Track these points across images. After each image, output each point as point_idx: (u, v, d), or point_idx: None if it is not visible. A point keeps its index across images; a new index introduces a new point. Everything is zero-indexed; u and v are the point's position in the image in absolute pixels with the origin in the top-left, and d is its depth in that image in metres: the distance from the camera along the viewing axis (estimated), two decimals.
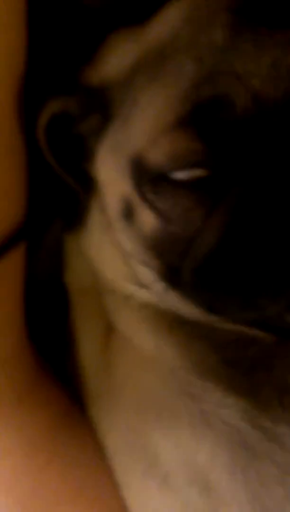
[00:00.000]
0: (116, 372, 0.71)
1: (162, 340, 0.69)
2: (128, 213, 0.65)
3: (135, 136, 0.62)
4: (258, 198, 0.56)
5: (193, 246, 0.60)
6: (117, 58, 0.67)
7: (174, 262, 0.62)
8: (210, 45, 0.58)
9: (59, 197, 0.72)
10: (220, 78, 0.57)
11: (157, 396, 0.68)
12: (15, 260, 0.70)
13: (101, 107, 0.66)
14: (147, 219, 0.63)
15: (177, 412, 0.66)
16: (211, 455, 0.64)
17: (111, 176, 0.66)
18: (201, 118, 0.57)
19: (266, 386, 0.65)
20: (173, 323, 0.69)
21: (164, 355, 0.68)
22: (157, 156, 0.59)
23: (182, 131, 0.57)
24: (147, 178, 0.61)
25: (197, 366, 0.67)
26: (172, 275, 0.63)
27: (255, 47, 0.57)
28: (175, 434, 0.66)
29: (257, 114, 0.56)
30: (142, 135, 0.61)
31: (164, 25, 0.64)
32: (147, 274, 0.67)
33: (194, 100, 0.57)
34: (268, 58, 0.56)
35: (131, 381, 0.70)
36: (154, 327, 0.69)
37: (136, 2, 0.70)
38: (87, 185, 0.70)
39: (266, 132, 0.56)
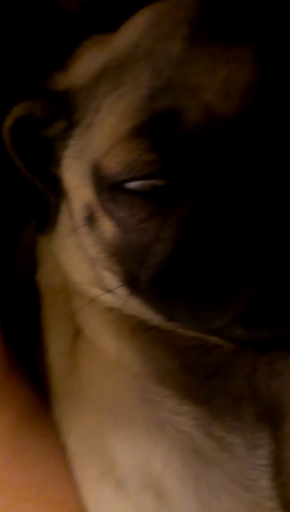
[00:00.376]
0: (80, 374, 0.72)
1: (124, 345, 0.70)
2: (91, 220, 0.65)
3: (96, 144, 0.63)
4: (209, 210, 0.56)
5: (149, 255, 0.60)
6: (84, 65, 0.67)
7: (134, 269, 0.62)
8: (167, 56, 0.59)
9: (31, 199, 0.73)
10: (174, 90, 0.57)
11: (116, 400, 0.69)
12: None
13: (66, 112, 0.66)
14: (108, 227, 0.63)
15: (134, 418, 0.67)
16: (165, 461, 0.65)
17: (75, 182, 0.67)
18: (155, 129, 0.57)
19: (222, 395, 0.66)
20: (136, 328, 0.70)
21: (125, 360, 0.69)
22: (113, 164, 0.59)
23: (137, 141, 0.57)
24: (105, 186, 0.61)
25: (156, 372, 0.68)
26: (133, 282, 0.64)
27: (210, 61, 0.57)
28: (132, 439, 0.67)
29: (209, 128, 0.56)
30: (102, 143, 0.61)
31: (129, 33, 0.64)
32: (111, 279, 0.67)
33: (150, 111, 0.57)
34: (222, 73, 0.56)
35: (93, 384, 0.71)
36: (117, 331, 0.70)
37: (113, 8, 0.71)
38: (57, 189, 0.71)
39: (218, 146, 0.56)
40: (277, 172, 0.53)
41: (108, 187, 0.61)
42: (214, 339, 0.65)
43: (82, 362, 0.73)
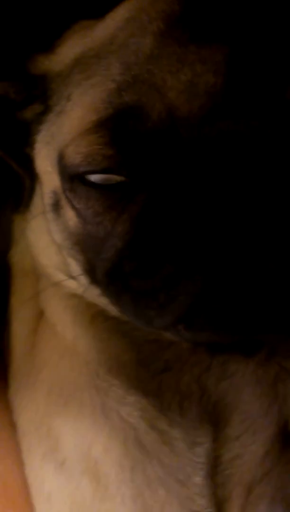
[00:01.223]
0: (38, 356, 0.73)
1: (82, 331, 0.71)
2: (57, 207, 0.66)
3: (63, 132, 0.63)
4: (160, 208, 0.56)
5: (104, 248, 0.61)
6: (65, 50, 0.67)
7: (93, 260, 0.63)
8: (137, 51, 0.58)
9: (7, 178, 0.74)
10: (140, 87, 0.57)
11: (68, 384, 0.70)
12: None
13: (42, 96, 0.67)
14: (70, 216, 0.64)
15: (82, 403, 0.68)
16: (105, 448, 0.66)
17: (45, 167, 0.68)
18: (117, 124, 0.57)
19: (170, 390, 0.67)
20: (96, 316, 0.71)
21: (81, 346, 0.71)
22: (74, 155, 0.59)
23: (98, 134, 0.58)
24: (66, 176, 0.62)
25: (110, 361, 0.69)
26: (92, 272, 0.65)
27: (178, 61, 0.56)
28: (77, 423, 0.68)
29: (169, 127, 0.56)
30: (68, 132, 0.62)
31: (109, 23, 0.64)
32: (75, 266, 0.68)
33: (115, 105, 0.58)
34: (187, 73, 0.56)
35: (48, 366, 0.72)
36: (77, 317, 0.71)
37: None
38: (32, 170, 0.72)
39: (176, 146, 0.56)
40: (230, 177, 0.53)
41: (68, 177, 0.62)
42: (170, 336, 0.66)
43: (41, 344, 0.74)
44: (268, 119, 0.54)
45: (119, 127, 0.57)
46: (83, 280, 0.68)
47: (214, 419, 0.66)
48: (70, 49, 0.67)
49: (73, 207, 0.63)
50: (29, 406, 0.72)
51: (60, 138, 0.63)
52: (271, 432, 0.65)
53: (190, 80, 0.56)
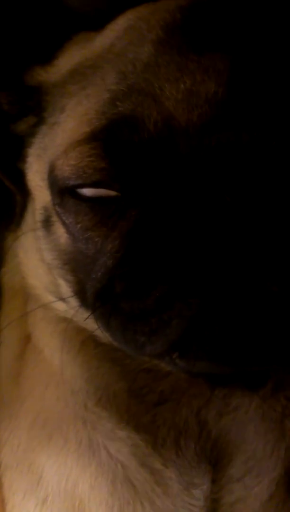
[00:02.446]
0: (23, 384, 0.68)
1: (69, 358, 0.66)
2: (47, 223, 0.62)
3: (56, 144, 0.59)
4: (152, 226, 0.52)
5: (94, 267, 0.56)
6: (62, 61, 0.64)
7: (83, 281, 0.59)
8: (135, 60, 0.55)
9: None
10: (135, 96, 0.54)
11: (53, 415, 0.65)
12: None
13: (36, 108, 0.63)
14: (61, 233, 0.60)
15: (67, 437, 0.63)
16: (91, 486, 0.61)
17: (36, 182, 0.64)
18: (110, 135, 0.53)
19: (166, 425, 0.62)
20: (86, 343, 0.66)
21: (68, 374, 0.66)
22: (64, 167, 0.56)
23: (91, 146, 0.54)
24: (56, 189, 0.58)
25: (99, 391, 0.64)
26: (82, 294, 0.60)
27: (176, 69, 0.53)
28: (61, 458, 0.63)
29: (165, 139, 0.52)
30: (60, 144, 0.58)
31: (108, 34, 0.61)
32: (65, 287, 0.63)
33: (109, 115, 0.54)
34: (187, 82, 0.53)
35: (33, 395, 0.67)
36: (65, 343, 0.66)
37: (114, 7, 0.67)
38: (24, 186, 0.68)
39: (174, 157, 0.52)
40: (229, 192, 0.49)
41: (58, 190, 0.58)
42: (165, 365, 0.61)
43: (26, 370, 0.69)
44: (271, 130, 0.51)
45: (112, 138, 0.54)
46: (73, 302, 0.63)
47: (213, 458, 0.61)
48: (67, 60, 0.64)
49: (64, 223, 0.59)
50: (10, 439, 0.67)
51: (52, 151, 0.60)
52: (277, 474, 0.60)
53: (190, 88, 0.53)
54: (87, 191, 0.55)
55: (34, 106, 0.64)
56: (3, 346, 0.73)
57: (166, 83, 0.53)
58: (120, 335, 0.54)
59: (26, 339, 0.71)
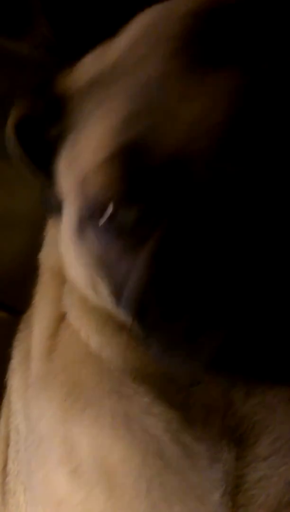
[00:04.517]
0: (57, 360, 0.71)
1: (106, 339, 0.68)
2: (81, 229, 0.63)
3: (81, 162, 0.60)
4: (176, 248, 0.52)
5: (127, 283, 0.58)
6: (81, 72, 0.65)
7: (120, 286, 0.60)
8: (142, 80, 0.54)
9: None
10: (145, 121, 0.53)
11: (87, 390, 0.67)
12: None
13: (61, 119, 0.64)
14: (94, 239, 0.61)
15: (101, 410, 0.65)
16: (123, 457, 0.63)
17: (67, 189, 0.65)
18: (126, 161, 0.53)
19: (198, 405, 0.64)
20: (122, 326, 0.68)
21: (106, 353, 0.68)
22: (87, 192, 0.57)
23: (109, 169, 0.54)
24: (84, 208, 0.59)
25: (135, 371, 0.66)
26: (118, 296, 0.62)
27: (184, 93, 0.51)
28: (95, 430, 0.65)
29: (178, 164, 0.51)
30: (84, 164, 0.59)
31: (118, 44, 0.61)
32: (102, 287, 0.65)
33: (121, 140, 0.54)
34: (195, 107, 0.51)
35: (67, 370, 0.69)
36: (101, 325, 0.68)
37: None
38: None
39: (188, 185, 0.52)
40: (248, 219, 0.49)
41: (86, 210, 0.59)
42: None
43: (61, 349, 0.71)
44: (285, 155, 0.49)
45: (127, 164, 0.54)
46: (111, 300, 0.65)
47: (238, 436, 0.63)
48: (85, 70, 0.64)
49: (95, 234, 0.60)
50: (46, 411, 0.69)
51: (78, 169, 0.61)
52: None
53: (198, 114, 0.51)
54: (110, 216, 0.56)
55: (60, 116, 0.65)
56: (37, 325, 0.76)
57: (173, 109, 0.52)
58: (155, 350, 0.57)
59: (60, 318, 0.73)
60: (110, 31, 0.65)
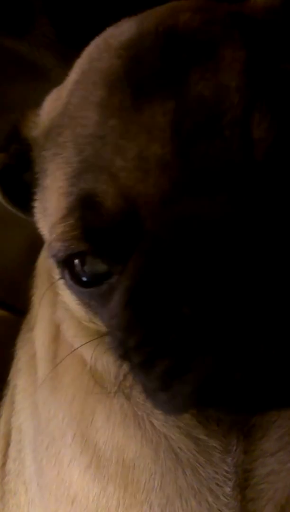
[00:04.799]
0: (61, 364, 0.71)
1: (100, 355, 0.67)
2: (62, 273, 0.62)
3: (49, 213, 0.60)
4: (143, 297, 0.51)
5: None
6: (42, 115, 0.65)
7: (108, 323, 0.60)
8: (85, 129, 0.53)
9: None
10: (92, 171, 0.52)
11: (94, 391, 0.68)
12: None
13: (31, 163, 0.64)
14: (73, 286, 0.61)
15: (111, 410, 0.67)
16: (136, 454, 0.65)
17: (45, 233, 0.66)
18: (82, 216, 0.52)
19: None
20: None
21: (99, 365, 0.68)
22: (54, 244, 0.56)
23: (68, 224, 0.53)
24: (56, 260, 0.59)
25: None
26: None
27: (121, 135, 0.50)
28: (107, 430, 0.66)
29: (129, 214, 0.50)
30: (51, 215, 0.58)
31: (68, 83, 0.60)
32: (97, 320, 0.65)
33: (75, 192, 0.53)
34: (133, 149, 0.50)
35: (72, 373, 0.70)
36: (94, 342, 0.66)
37: None
38: None
39: (141, 234, 0.51)
40: (209, 261, 0.47)
41: (57, 263, 0.59)
42: None
43: (62, 352, 0.72)
44: (239, 189, 0.48)
45: (82, 220, 0.52)
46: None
47: (246, 430, 0.64)
48: (46, 112, 0.64)
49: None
50: (56, 412, 0.70)
51: (48, 219, 0.61)
52: None
53: (137, 156, 0.49)
54: (83, 267, 0.56)
55: (29, 161, 0.64)
56: (38, 327, 0.76)
57: (114, 154, 0.50)
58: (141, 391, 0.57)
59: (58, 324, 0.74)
60: None
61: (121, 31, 0.57)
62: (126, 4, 0.68)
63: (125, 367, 0.58)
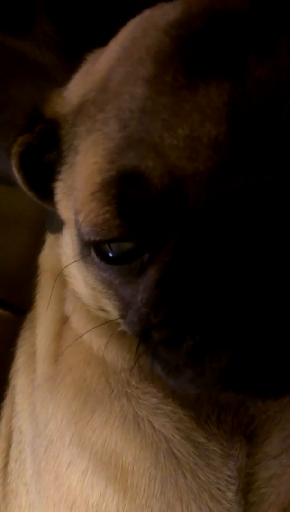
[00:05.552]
0: (63, 362, 0.71)
1: (109, 343, 0.68)
2: (83, 256, 0.62)
3: (76, 188, 0.58)
4: (176, 278, 0.52)
5: (133, 309, 0.58)
6: (70, 93, 0.63)
7: (127, 308, 0.60)
8: (131, 103, 0.52)
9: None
10: (137, 147, 0.51)
11: (95, 391, 0.67)
12: None
13: (57, 143, 0.63)
14: (96, 268, 0.61)
15: (111, 411, 0.66)
16: (135, 458, 0.64)
17: (67, 216, 0.65)
18: (121, 191, 0.52)
19: (210, 403, 0.65)
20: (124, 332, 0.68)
21: (109, 357, 0.68)
22: (84, 223, 0.55)
23: (103, 202, 0.52)
24: (82, 241, 0.58)
25: (143, 370, 0.66)
26: (124, 316, 0.62)
27: (173, 114, 0.50)
28: (106, 432, 0.65)
29: (175, 191, 0.50)
30: (79, 194, 0.57)
31: (106, 59, 0.59)
32: (110, 307, 0.65)
33: (116, 166, 0.52)
34: (185, 127, 0.49)
35: (73, 372, 0.69)
36: (104, 330, 0.68)
37: None
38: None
39: (185, 211, 0.51)
40: (249, 240, 0.48)
41: (84, 243, 0.58)
42: None
43: (66, 350, 0.72)
44: (285, 171, 0.48)
45: (122, 194, 0.52)
46: (115, 314, 0.64)
47: (249, 433, 0.64)
48: (75, 90, 0.63)
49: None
50: (54, 413, 0.69)
51: (74, 195, 0.59)
52: None
53: (189, 135, 0.49)
54: (110, 247, 0.55)
55: (55, 140, 0.63)
56: (41, 326, 0.76)
57: (164, 131, 0.50)
58: (161, 370, 0.57)
59: (63, 320, 0.74)
60: (112, 29, 0.63)
61: (165, 11, 0.56)
62: (126, 4, 0.67)
63: (141, 346, 0.57)
